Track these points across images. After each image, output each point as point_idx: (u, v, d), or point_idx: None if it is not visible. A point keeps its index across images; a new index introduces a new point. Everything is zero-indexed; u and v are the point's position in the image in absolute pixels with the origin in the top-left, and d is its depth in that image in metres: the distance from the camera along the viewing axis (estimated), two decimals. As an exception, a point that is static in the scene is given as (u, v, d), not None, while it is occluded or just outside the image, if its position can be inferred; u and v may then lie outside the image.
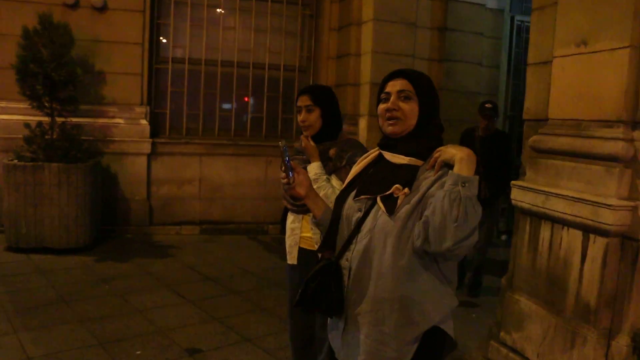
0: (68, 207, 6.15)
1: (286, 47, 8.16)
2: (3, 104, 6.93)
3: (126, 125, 7.24)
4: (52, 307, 4.58)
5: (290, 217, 3.03)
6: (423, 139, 2.01)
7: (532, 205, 3.69)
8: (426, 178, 1.94)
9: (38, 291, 4.96)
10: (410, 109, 1.99)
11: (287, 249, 3.03)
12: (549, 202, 3.54)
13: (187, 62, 7.69)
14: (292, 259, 3.01)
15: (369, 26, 7.44)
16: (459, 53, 7.95)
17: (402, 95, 2.00)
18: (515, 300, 3.84)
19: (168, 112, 7.63)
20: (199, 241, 7.13)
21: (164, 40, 7.70)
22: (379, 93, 2.06)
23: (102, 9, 7.23)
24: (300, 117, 2.95)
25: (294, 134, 8.14)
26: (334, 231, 2.16)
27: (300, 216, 2.95)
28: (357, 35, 7.65)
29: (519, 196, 3.85)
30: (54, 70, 6.24)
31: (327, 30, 8.18)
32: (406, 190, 1.95)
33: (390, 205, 1.94)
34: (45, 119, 6.46)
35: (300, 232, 2.97)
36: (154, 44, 7.57)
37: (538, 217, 3.71)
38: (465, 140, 5.88)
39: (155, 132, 7.44)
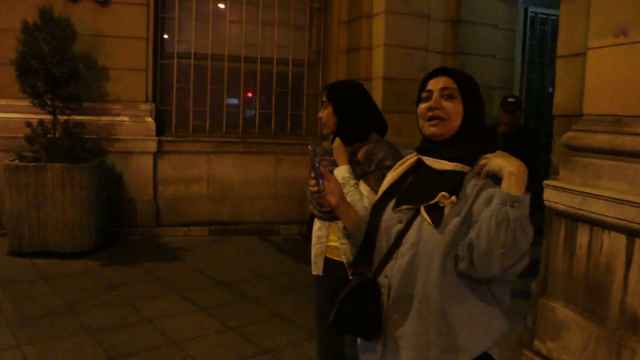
0: (72, 210, 5.92)
1: (294, 41, 7.91)
2: (3, 101, 6.70)
3: (131, 123, 6.99)
4: (57, 317, 4.35)
5: (317, 224, 2.79)
6: (469, 143, 1.81)
7: (568, 206, 3.45)
8: (474, 186, 1.73)
9: (42, 299, 4.73)
10: (455, 109, 1.81)
11: (313, 259, 2.79)
12: (587, 203, 3.30)
13: (192, 57, 7.44)
14: (317, 269, 2.76)
15: (381, 19, 7.19)
16: (472, 46, 7.70)
17: (446, 93, 1.82)
18: (549, 307, 3.61)
19: (174, 109, 7.39)
20: (209, 243, 6.90)
21: (169, 35, 7.44)
22: (420, 92, 1.90)
23: (105, 2, 6.98)
24: (318, 114, 2.79)
25: (303, 131, 7.91)
26: (369, 244, 1.95)
27: (327, 223, 2.72)
28: (368, 28, 7.39)
29: (553, 197, 3.61)
30: (56, 67, 6.00)
31: (336, 23, 7.92)
32: (453, 198, 1.75)
33: (437, 216, 1.74)
34: (47, 117, 6.23)
35: (326, 241, 2.73)
36: (159, 39, 7.32)
37: (574, 219, 3.47)
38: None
39: (160, 129, 7.20)
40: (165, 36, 7.43)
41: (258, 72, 7.70)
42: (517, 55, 8.50)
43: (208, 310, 4.64)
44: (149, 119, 7.07)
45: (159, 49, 7.32)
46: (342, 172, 2.58)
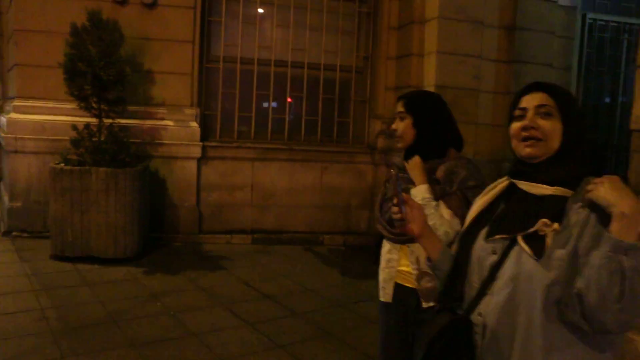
0: (116, 215, 5.80)
1: (342, 46, 7.70)
2: (50, 104, 6.65)
3: (175, 127, 6.87)
4: (101, 327, 4.21)
5: (386, 246, 2.56)
6: (570, 164, 1.60)
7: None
8: (578, 214, 1.51)
9: (86, 307, 4.59)
10: (552, 128, 1.63)
11: (381, 284, 2.56)
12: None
13: (239, 61, 7.29)
14: (386, 295, 2.53)
15: (434, 24, 6.94)
16: (528, 54, 7.39)
17: (542, 110, 1.64)
18: (628, 339, 3.32)
19: (219, 114, 7.24)
20: (251, 252, 6.71)
21: (215, 39, 7.30)
22: (511, 109, 1.72)
23: (152, 5, 6.88)
24: (392, 126, 2.53)
25: (350, 139, 7.69)
26: (458, 277, 1.77)
27: (399, 246, 2.49)
28: (419, 34, 7.14)
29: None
30: (103, 70, 5.91)
31: (386, 29, 7.67)
32: (555, 226, 1.54)
33: (538, 246, 1.54)
34: (93, 120, 6.15)
35: (397, 265, 2.49)
36: (205, 43, 7.19)
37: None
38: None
39: (205, 135, 7.05)
40: (213, 39, 7.29)
41: (305, 78, 7.51)
42: (573, 64, 8.16)
43: (255, 325, 4.44)
44: (194, 124, 6.94)
45: (204, 53, 7.19)
46: (421, 192, 2.34)
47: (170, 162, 6.84)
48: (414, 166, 2.43)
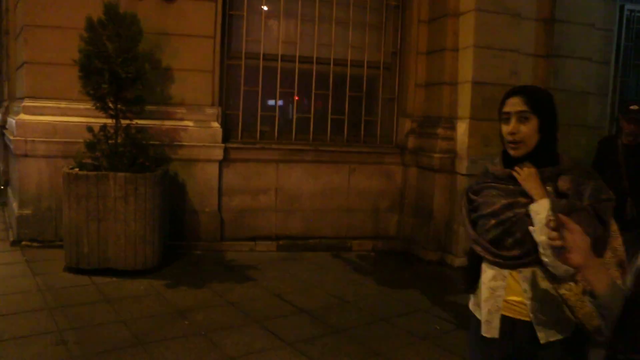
0: (135, 223, 5.39)
1: (369, 41, 7.27)
2: (62, 104, 6.24)
3: (196, 128, 6.45)
4: (126, 352, 3.78)
5: (489, 272, 2.11)
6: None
7: None
8: None
9: (107, 328, 4.17)
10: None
11: (484, 317, 2.11)
12: None
13: (261, 57, 6.86)
14: (491, 330, 2.09)
15: (470, 17, 6.52)
16: (567, 47, 6.98)
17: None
18: None
19: (241, 113, 6.81)
20: (278, 260, 6.29)
21: (236, 34, 6.87)
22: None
23: (171, -2, 6.46)
24: (508, 128, 2.06)
25: (378, 139, 7.27)
26: (634, 318, 1.37)
27: (507, 272, 2.06)
28: (453, 28, 6.71)
29: None
30: (121, 67, 5.49)
31: (415, 23, 7.22)
32: None
33: None
34: (108, 121, 5.73)
35: (504, 294, 2.06)
36: (226, 38, 6.77)
37: None
38: (604, 151, 4.93)
39: (226, 135, 6.62)
40: (232, 35, 6.86)
41: (330, 75, 7.09)
42: (612, 58, 7.74)
43: (295, 345, 4.02)
44: (215, 124, 6.52)
45: (225, 49, 6.76)
46: (545, 208, 1.89)
47: (191, 165, 6.41)
48: (529, 177, 2.00)
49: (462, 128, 6.53)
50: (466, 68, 6.54)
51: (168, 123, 6.38)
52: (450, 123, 6.67)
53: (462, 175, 6.37)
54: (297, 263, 6.20)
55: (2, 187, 8.96)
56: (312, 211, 6.87)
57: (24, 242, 6.18)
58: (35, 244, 6.16)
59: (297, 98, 7.07)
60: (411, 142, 7.08)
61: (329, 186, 6.91)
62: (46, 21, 6.26)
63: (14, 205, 6.55)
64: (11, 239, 6.31)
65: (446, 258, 6.47)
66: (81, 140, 5.70)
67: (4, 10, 9.92)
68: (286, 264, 6.13)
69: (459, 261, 6.24)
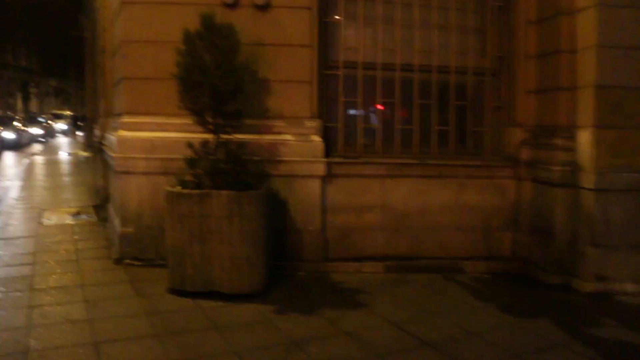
0: (240, 244, 5.09)
1: (473, 46, 6.78)
2: (159, 119, 6.08)
3: (296, 142, 6.14)
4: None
5: None
6: None
7: None
8: None
9: (222, 360, 3.88)
10: None
11: None
12: None
13: (360, 66, 6.49)
14: None
15: (590, 14, 5.91)
16: None
17: None
18: None
19: (341, 126, 6.45)
20: (387, 282, 5.85)
21: (333, 42, 6.52)
22: None
23: (265, 7, 6.19)
24: None
25: (486, 151, 6.72)
26: None
27: None
28: (569, 27, 6.11)
29: None
30: (220, 79, 5.25)
31: (522, 24, 6.65)
32: None
33: None
34: (207, 136, 5.50)
35: None
36: (323, 47, 6.44)
37: None
38: None
39: (326, 149, 6.27)
40: (329, 43, 6.51)
41: (433, 83, 6.63)
42: None
43: (429, 387, 3.58)
44: (316, 138, 6.18)
45: (322, 58, 6.43)
46: None
47: (291, 181, 6.10)
48: None
49: (584, 137, 5.92)
50: (588, 71, 5.93)
51: (267, 137, 6.10)
52: (570, 132, 6.07)
53: (589, 190, 5.76)
54: (409, 286, 5.75)
55: (103, 204, 8.99)
56: (420, 229, 6.40)
57: (126, 261, 6.06)
58: (137, 263, 6.03)
59: (398, 108, 6.63)
60: (525, 154, 6.51)
61: (437, 202, 6.42)
62: (143, 36, 6.15)
63: (116, 222, 6.44)
64: (114, 256, 6.22)
65: (572, 282, 5.85)
66: (179, 156, 5.51)
67: (100, 30, 10.07)
68: (397, 288, 5.69)
69: (590, 287, 5.63)
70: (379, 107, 6.61)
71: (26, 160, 20.76)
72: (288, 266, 6.01)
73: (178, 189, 5.24)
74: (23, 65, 52.23)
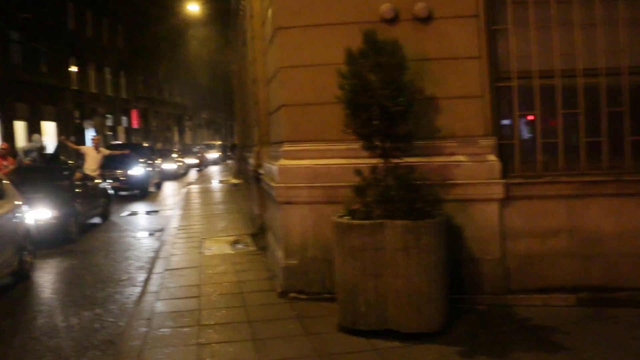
0: (418, 278, 4.64)
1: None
2: (320, 146, 5.84)
3: (469, 163, 5.60)
4: None
5: None
6: None
7: None
8: None
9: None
10: None
11: None
12: None
13: (536, 75, 5.83)
14: None
15: None
16: None
17: None
18: None
19: (517, 142, 5.83)
20: (582, 318, 5.11)
21: (503, 51, 5.93)
22: None
23: (427, 19, 5.77)
24: None
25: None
26: None
27: None
28: None
29: None
30: (390, 100, 4.86)
31: None
32: None
33: None
34: (374, 161, 5.13)
35: None
36: (492, 57, 5.86)
37: None
38: None
39: (503, 169, 5.66)
40: (498, 53, 5.93)
41: (623, 87, 5.80)
42: None
43: None
44: (492, 157, 5.61)
45: (493, 69, 5.86)
46: None
47: (466, 205, 5.56)
48: None
49: None
50: None
51: (437, 159, 5.62)
52: None
53: None
54: (610, 324, 4.95)
55: (259, 232, 8.97)
56: (616, 256, 5.56)
57: (291, 294, 5.86)
58: (302, 296, 5.80)
59: (583, 119, 5.86)
60: None
61: (637, 224, 5.56)
62: (300, 60, 5.97)
63: (279, 254, 6.25)
64: (278, 290, 6.03)
65: None
66: (344, 183, 5.23)
67: (250, 61, 10.19)
68: (597, 325, 4.93)
69: None
70: (559, 118, 5.89)
71: (183, 190, 21.78)
72: (466, 299, 5.46)
73: (347, 219, 4.91)
74: (177, 102, 56.23)
